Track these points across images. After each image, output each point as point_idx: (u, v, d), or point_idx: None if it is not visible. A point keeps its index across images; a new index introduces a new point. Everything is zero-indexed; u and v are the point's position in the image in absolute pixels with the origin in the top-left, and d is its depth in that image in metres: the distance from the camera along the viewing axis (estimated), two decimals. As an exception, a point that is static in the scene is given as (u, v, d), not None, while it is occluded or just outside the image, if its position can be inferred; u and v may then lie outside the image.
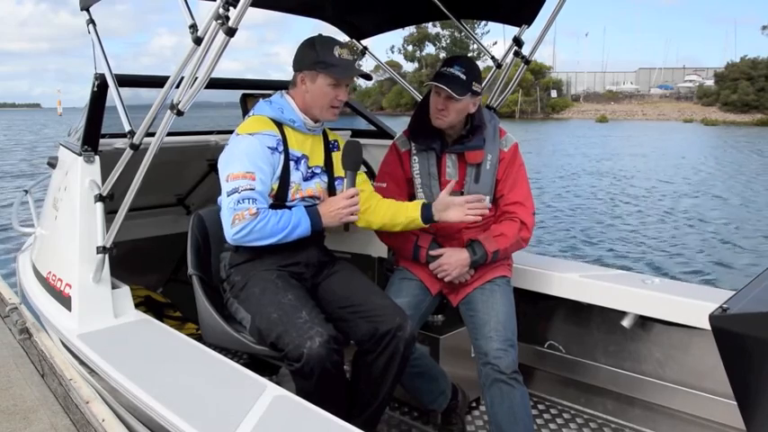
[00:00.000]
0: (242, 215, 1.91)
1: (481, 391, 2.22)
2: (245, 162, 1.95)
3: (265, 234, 1.95)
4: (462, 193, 2.32)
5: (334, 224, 2.05)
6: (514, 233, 2.30)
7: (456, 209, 2.14)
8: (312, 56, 2.02)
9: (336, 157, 2.21)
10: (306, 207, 2.05)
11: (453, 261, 2.28)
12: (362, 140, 2.21)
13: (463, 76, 2.20)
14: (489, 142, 2.33)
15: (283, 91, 2.14)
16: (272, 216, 1.95)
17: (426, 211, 2.17)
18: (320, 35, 2.10)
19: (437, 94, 2.23)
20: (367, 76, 2.16)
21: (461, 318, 2.39)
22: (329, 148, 2.21)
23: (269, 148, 1.99)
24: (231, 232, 1.94)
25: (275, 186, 2.02)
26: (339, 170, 2.20)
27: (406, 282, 2.38)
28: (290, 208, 2.04)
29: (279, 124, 2.06)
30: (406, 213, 2.19)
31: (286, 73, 2.19)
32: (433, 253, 2.31)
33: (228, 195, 1.93)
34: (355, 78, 2.19)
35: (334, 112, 2.10)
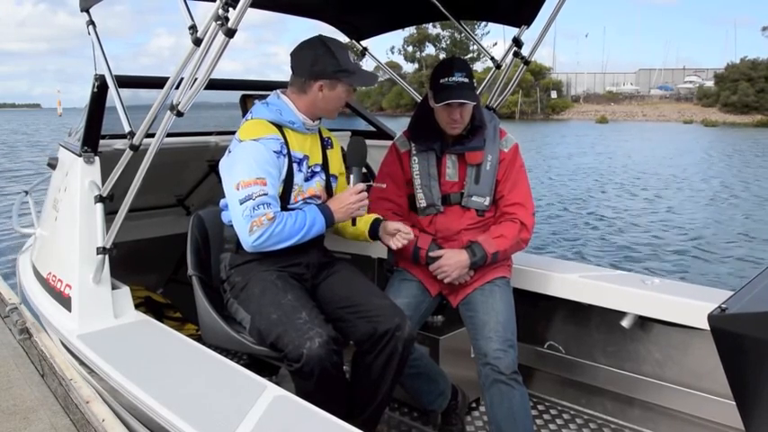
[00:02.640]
0: (260, 221, 1.90)
1: (481, 391, 2.22)
2: (254, 168, 1.94)
3: (284, 237, 1.95)
4: (462, 195, 2.33)
5: (344, 220, 2.09)
6: (514, 234, 2.30)
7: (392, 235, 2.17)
8: (334, 63, 1.99)
9: (331, 154, 2.23)
10: (317, 205, 2.07)
11: (453, 262, 2.28)
12: None
13: (467, 80, 2.18)
14: (489, 143, 2.33)
15: (278, 91, 2.11)
16: (288, 218, 1.96)
17: (375, 226, 2.22)
18: (322, 36, 2.06)
19: (449, 106, 2.19)
20: (374, 77, 2.16)
21: (461, 318, 2.39)
22: (324, 145, 2.22)
23: (275, 152, 1.99)
24: (250, 240, 1.92)
25: (280, 190, 2.03)
26: (334, 168, 2.22)
27: (405, 282, 2.38)
28: (293, 210, 2.04)
29: (279, 127, 2.05)
30: (360, 223, 2.21)
31: (284, 73, 2.20)
32: (432, 254, 2.31)
33: (242, 203, 1.91)
34: None
35: (338, 111, 2.15)
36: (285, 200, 2.05)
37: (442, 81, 2.19)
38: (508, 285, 2.38)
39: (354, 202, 2.05)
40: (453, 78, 2.17)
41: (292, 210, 2.04)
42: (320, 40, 2.03)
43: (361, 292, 2.11)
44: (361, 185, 2.07)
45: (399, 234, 2.16)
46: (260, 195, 1.91)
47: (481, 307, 2.28)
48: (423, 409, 2.60)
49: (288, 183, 2.04)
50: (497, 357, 2.13)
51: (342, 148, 2.27)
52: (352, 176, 2.09)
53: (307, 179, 2.11)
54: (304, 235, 1.98)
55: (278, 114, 2.05)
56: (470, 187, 2.32)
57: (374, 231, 2.22)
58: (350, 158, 2.11)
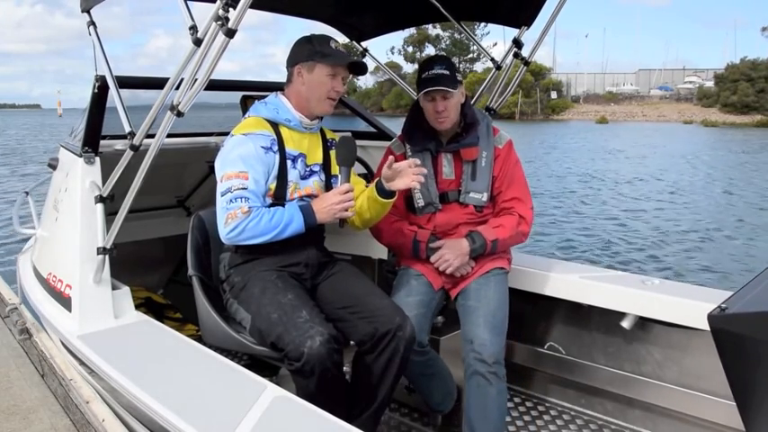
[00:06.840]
0: (234, 214, 1.93)
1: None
2: (237, 162, 1.98)
3: (258, 232, 1.95)
4: (460, 192, 2.34)
5: (327, 220, 2.05)
6: (513, 225, 2.32)
7: (403, 176, 2.05)
8: (309, 48, 2.05)
9: (334, 155, 2.22)
10: (299, 204, 2.05)
11: (454, 251, 2.28)
12: (362, 142, 2.21)
13: (447, 72, 2.23)
14: (483, 139, 2.35)
15: (278, 92, 2.15)
16: (265, 214, 1.96)
17: (380, 184, 2.09)
18: (313, 34, 2.11)
19: (432, 100, 2.25)
20: (362, 65, 2.14)
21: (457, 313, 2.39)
22: (327, 146, 2.23)
23: (262, 147, 2.01)
24: (225, 231, 1.96)
25: (273, 186, 2.03)
26: (336, 168, 2.21)
27: (413, 279, 2.36)
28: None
29: (274, 124, 2.08)
30: (366, 194, 2.13)
31: (282, 74, 2.20)
32: (432, 245, 2.32)
33: (222, 195, 1.96)
34: (356, 79, 2.19)
35: (330, 104, 2.10)
36: (281, 196, 2.05)
37: (423, 75, 2.26)
38: (505, 276, 2.38)
39: (338, 202, 2.00)
40: (433, 71, 2.24)
41: None
42: (305, 36, 2.09)
43: (361, 293, 2.11)
44: (348, 186, 2.02)
45: (408, 168, 2.00)
46: (238, 189, 1.94)
47: (474, 294, 2.29)
48: (431, 409, 2.57)
49: (281, 179, 2.05)
50: (482, 344, 2.11)
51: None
52: (339, 176, 2.07)
53: (304, 177, 2.11)
54: (280, 232, 1.98)
55: (275, 113, 2.08)
56: (467, 183, 2.33)
57: (381, 189, 2.07)
58: (338, 158, 2.07)
